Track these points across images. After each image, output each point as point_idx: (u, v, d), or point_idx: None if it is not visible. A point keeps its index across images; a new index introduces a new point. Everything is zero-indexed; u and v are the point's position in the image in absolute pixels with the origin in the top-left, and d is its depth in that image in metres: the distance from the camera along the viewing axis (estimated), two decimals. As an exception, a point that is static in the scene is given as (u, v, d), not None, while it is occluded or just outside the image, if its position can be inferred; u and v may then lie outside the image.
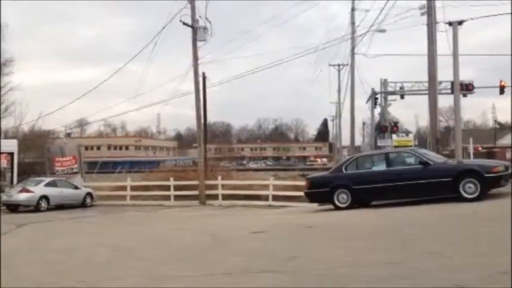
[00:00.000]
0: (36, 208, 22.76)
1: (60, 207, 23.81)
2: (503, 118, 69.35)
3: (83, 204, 24.82)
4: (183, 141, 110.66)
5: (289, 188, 24.04)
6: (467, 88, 35.09)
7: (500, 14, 22.71)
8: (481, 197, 13.05)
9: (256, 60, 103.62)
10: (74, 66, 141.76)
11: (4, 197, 23.49)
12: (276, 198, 23.27)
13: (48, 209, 23.01)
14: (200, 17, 25.37)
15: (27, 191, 23.18)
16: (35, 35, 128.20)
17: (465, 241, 7.78)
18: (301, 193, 18.29)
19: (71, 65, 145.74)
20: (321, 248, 8.46)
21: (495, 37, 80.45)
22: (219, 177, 25.52)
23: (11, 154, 26.71)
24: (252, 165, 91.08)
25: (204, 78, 29.71)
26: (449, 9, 33.74)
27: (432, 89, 21.56)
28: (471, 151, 32.01)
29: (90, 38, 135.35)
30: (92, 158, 54.33)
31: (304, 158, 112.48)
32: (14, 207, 23.21)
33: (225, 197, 24.57)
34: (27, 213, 22.10)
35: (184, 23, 25.12)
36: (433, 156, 15.36)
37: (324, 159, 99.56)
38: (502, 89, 33.56)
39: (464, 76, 31.38)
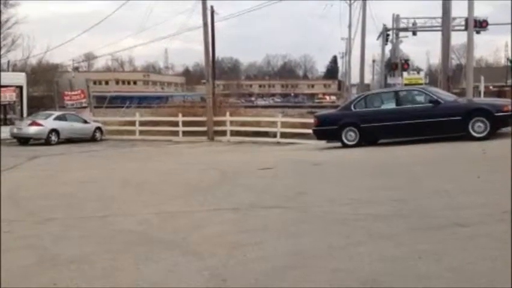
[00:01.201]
0: (46, 141, 23.02)
1: (70, 140, 24.06)
2: (516, 56, 67.77)
3: (92, 139, 25.04)
4: (191, 77, 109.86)
5: (297, 125, 24.07)
6: (481, 25, 34.20)
7: None
8: (490, 136, 13.02)
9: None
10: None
11: (14, 130, 23.73)
12: (284, 135, 23.35)
13: (58, 143, 23.28)
14: None
15: (38, 124, 23.37)
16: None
17: (471, 180, 7.82)
18: (309, 130, 18.32)
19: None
20: (327, 185, 8.56)
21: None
22: (227, 114, 25.53)
23: (20, 87, 26.71)
24: (260, 102, 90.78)
25: (213, 12, 29.09)
26: None
27: (446, 24, 21.07)
28: (482, 90, 31.67)
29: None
30: (101, 92, 54.26)
31: (313, 95, 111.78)
32: (24, 140, 23.49)
33: (233, 134, 24.68)
34: (37, 146, 22.39)
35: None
36: (444, 95, 15.20)
37: (333, 97, 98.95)
38: (516, 27, 32.64)
39: (479, 12, 30.48)
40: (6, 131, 24.11)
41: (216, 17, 29.73)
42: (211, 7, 28.47)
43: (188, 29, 30.81)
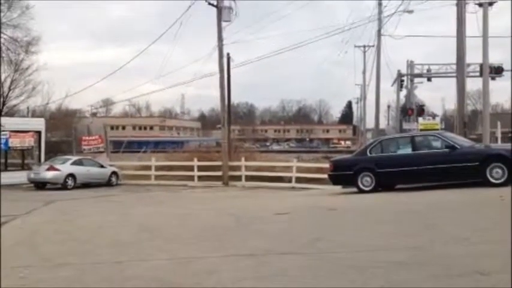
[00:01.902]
0: (63, 186, 23.21)
1: (86, 185, 24.22)
2: (533, 102, 67.39)
3: (108, 183, 25.20)
4: (206, 122, 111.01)
5: (312, 170, 24.01)
6: (496, 71, 34.23)
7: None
8: (508, 182, 12.83)
9: (281, 41, 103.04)
10: (99, 46, 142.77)
11: (31, 175, 23.99)
12: (299, 180, 23.29)
13: (75, 187, 23.44)
14: (226, -4, 25.27)
15: (55, 169, 23.63)
16: (62, 15, 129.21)
17: (490, 227, 7.67)
18: (325, 175, 18.23)
19: (97, 45, 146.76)
20: (343, 230, 8.45)
21: (527, 18, 78.36)
22: (243, 159, 25.61)
23: (39, 133, 27.17)
24: (275, 147, 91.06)
25: (229, 58, 29.68)
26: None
27: (460, 71, 21.16)
28: (499, 135, 31.47)
29: (116, 18, 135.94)
30: (118, 137, 54.93)
31: (328, 140, 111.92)
32: (41, 185, 23.71)
33: (248, 179, 24.68)
34: (54, 190, 22.55)
35: (209, 3, 25.08)
36: (460, 140, 15.12)
37: (348, 142, 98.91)
38: (532, 72, 32.67)
39: (494, 59, 30.64)
40: (23, 176, 24.38)
41: (231, 64, 30.31)
42: (228, 54, 29.07)
43: (204, 75, 31.24)
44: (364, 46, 48.64)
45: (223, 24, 25.59)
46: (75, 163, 24.64)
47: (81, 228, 10.41)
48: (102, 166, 25.84)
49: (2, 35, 37.81)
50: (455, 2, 20.36)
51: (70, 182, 23.54)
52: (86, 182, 24.42)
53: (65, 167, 23.89)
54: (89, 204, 17.31)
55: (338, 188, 17.04)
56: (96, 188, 23.80)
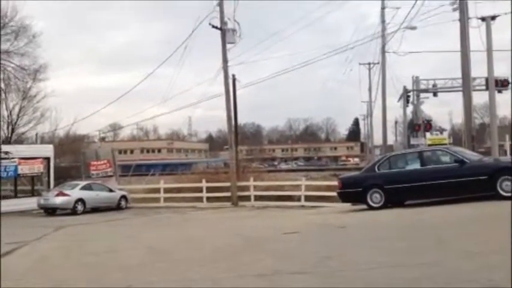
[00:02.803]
0: (72, 211, 23.26)
1: (95, 210, 24.26)
2: (541, 114, 67.07)
3: (117, 207, 25.24)
4: (214, 143, 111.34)
5: (321, 188, 23.94)
6: (502, 84, 34.20)
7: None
8: (519, 195, 12.72)
9: (286, 61, 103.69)
10: (106, 72, 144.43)
11: (41, 201, 24.07)
12: (308, 198, 23.21)
13: (84, 212, 23.48)
14: (229, 19, 25.54)
15: (64, 194, 23.70)
16: (69, 43, 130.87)
17: (502, 241, 7.59)
18: (334, 193, 18.18)
19: (103, 71, 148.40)
20: (353, 248, 8.39)
21: (531, 31, 78.48)
22: (251, 179, 25.59)
23: (47, 159, 27.34)
24: (283, 166, 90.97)
25: (234, 80, 29.86)
26: (481, 4, 32.97)
27: (466, 85, 21.17)
28: (508, 148, 31.29)
29: (122, 44, 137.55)
30: (126, 161, 55.11)
31: (336, 158, 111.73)
32: (51, 211, 23.77)
33: (257, 198, 24.63)
34: (64, 216, 22.59)
35: (213, 26, 25.31)
36: (469, 154, 15.06)
37: (356, 159, 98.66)
38: (539, 84, 32.64)
39: (499, 72, 30.60)
40: (33, 202, 24.48)
41: (237, 85, 30.49)
42: (233, 75, 29.26)
43: (210, 97, 31.48)
44: (369, 63, 48.82)
45: (228, 46, 25.82)
46: (84, 188, 24.71)
47: (91, 253, 10.40)
48: (111, 190, 25.91)
49: (9, 63, 38.32)
50: (458, 17, 20.46)
51: (79, 207, 23.59)
52: (96, 206, 24.46)
53: (74, 192, 23.97)
54: (98, 228, 17.33)
55: (348, 206, 16.95)
56: (106, 212, 23.82)
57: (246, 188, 25.24)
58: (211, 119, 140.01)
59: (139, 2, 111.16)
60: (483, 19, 20.92)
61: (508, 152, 30.14)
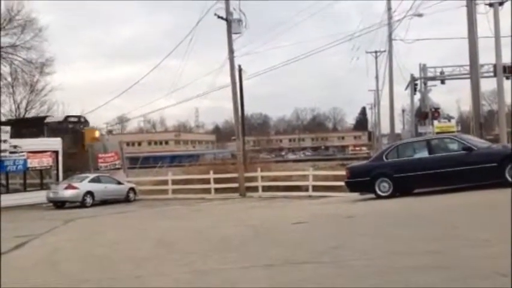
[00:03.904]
0: (81, 204, 23.39)
1: (104, 202, 24.39)
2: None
3: (126, 199, 25.36)
4: (221, 134, 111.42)
5: (329, 178, 23.93)
6: (510, 70, 33.95)
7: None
8: (528, 181, 12.66)
9: (292, 50, 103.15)
10: (112, 65, 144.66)
11: (50, 194, 24.22)
12: (316, 188, 23.21)
13: (93, 205, 23.60)
14: (234, 9, 25.44)
15: (73, 187, 23.82)
16: (75, 36, 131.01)
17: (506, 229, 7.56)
18: (342, 183, 18.17)
19: (109, 63, 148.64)
20: (361, 238, 8.39)
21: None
22: (258, 169, 25.61)
23: (56, 152, 27.47)
24: (291, 156, 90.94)
25: (240, 70, 29.84)
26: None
27: (474, 72, 21.02)
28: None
29: (128, 37, 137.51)
30: (133, 153, 55.34)
31: (343, 147, 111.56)
32: (60, 204, 23.92)
33: (265, 189, 24.66)
34: (73, 209, 22.73)
35: (218, 17, 25.22)
36: (477, 141, 14.99)
37: (364, 148, 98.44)
38: (547, 70, 32.39)
39: (507, 58, 30.34)
40: (43, 196, 24.64)
41: (244, 75, 30.44)
42: (239, 66, 29.20)
43: (217, 88, 31.48)
44: (376, 52, 48.50)
45: (234, 36, 25.74)
46: (92, 180, 24.82)
47: (100, 245, 10.46)
48: (119, 183, 26.02)
49: (17, 57, 38.43)
50: (465, 3, 20.26)
51: (88, 199, 23.71)
52: (104, 199, 24.58)
53: (82, 185, 24.08)
54: (107, 220, 17.43)
55: (356, 195, 16.94)
56: (115, 204, 23.94)
57: (254, 179, 25.28)
58: (218, 110, 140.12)
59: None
60: (491, 5, 20.70)
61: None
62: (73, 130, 33.40)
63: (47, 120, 33.61)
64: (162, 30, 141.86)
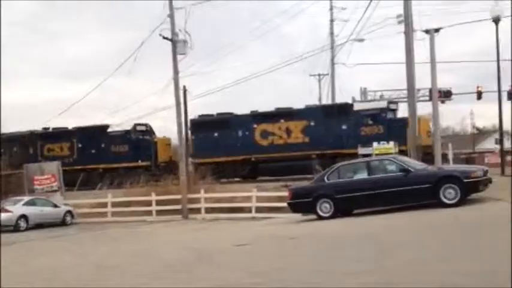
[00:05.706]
0: (15, 228, 22.31)
1: (39, 226, 23.42)
2: (481, 123, 70.18)
3: (63, 223, 24.44)
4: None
5: (272, 199, 23.94)
6: (445, 95, 35.53)
7: (475, 21, 23.19)
8: (461, 202, 13.17)
9: (240, 71, 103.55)
10: (58, 84, 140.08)
11: (-18, 218, 23.00)
12: (259, 209, 23.15)
13: (28, 229, 22.60)
14: (180, 30, 25.35)
15: (6, 210, 22.75)
16: (23, 54, 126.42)
17: (447, 247, 7.81)
18: (285, 204, 18.24)
19: (55, 83, 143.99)
20: (305, 259, 8.43)
21: (474, 44, 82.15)
22: (202, 191, 25.35)
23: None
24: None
25: (185, 91, 29.63)
26: (426, 17, 34.24)
27: (411, 97, 21.82)
28: (450, 157, 32.34)
29: (76, 55, 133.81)
30: (72, 175, 53.52)
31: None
32: (-8, 228, 22.74)
33: (208, 210, 24.39)
34: (5, 233, 21.67)
35: (164, 37, 25.04)
36: (414, 163, 15.48)
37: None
38: (479, 95, 34.21)
39: (445, 83, 31.80)
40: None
41: (189, 96, 30.30)
42: (184, 87, 29.00)
43: (161, 109, 31.17)
44: (319, 75, 49.48)
45: (179, 57, 25.60)
46: (27, 203, 23.81)
47: (36, 272, 10.01)
48: (55, 206, 25.10)
49: None
50: (403, 30, 21.06)
51: (22, 223, 22.65)
52: (40, 222, 23.60)
53: (16, 208, 23.04)
54: (42, 245, 16.72)
55: (298, 216, 17.06)
56: (51, 228, 23.03)
57: (197, 200, 24.99)
58: (165, 130, 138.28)
59: (96, 11, 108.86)
60: (427, 31, 21.61)
61: (451, 161, 31.15)
62: (143, 140, 33.49)
63: (110, 129, 33.41)
64: (116, 48, 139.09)
